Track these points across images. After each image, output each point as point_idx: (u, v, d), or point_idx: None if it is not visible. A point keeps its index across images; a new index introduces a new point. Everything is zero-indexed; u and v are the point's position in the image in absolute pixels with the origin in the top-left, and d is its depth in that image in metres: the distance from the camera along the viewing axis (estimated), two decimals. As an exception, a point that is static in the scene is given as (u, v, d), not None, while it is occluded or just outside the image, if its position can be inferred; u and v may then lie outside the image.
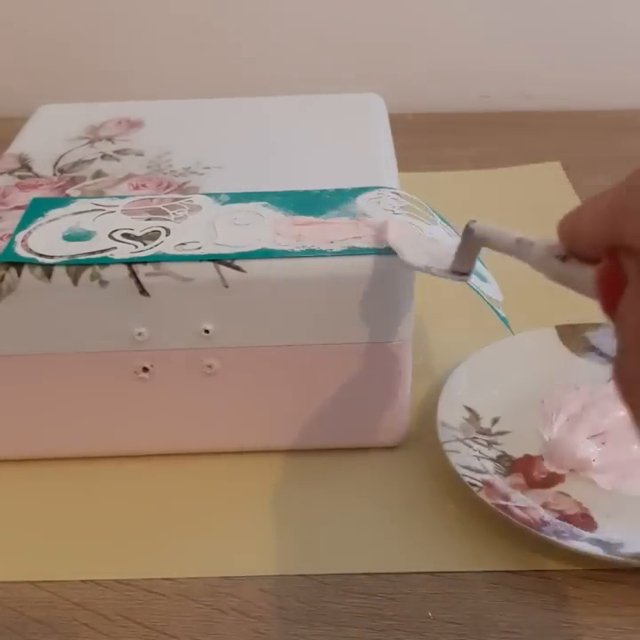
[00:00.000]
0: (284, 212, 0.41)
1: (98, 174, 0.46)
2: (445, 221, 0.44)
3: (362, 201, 0.41)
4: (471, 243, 0.35)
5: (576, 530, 0.38)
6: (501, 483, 0.40)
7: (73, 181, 0.45)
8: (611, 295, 0.25)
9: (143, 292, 0.38)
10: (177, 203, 0.42)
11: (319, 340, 0.40)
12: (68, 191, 0.44)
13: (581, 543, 0.37)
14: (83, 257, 0.38)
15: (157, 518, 0.41)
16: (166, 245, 0.38)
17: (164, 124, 0.52)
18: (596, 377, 0.46)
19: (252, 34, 0.84)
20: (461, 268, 0.36)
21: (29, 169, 0.47)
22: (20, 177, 0.46)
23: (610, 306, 0.25)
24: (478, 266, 0.43)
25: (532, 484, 0.41)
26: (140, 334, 0.39)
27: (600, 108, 0.81)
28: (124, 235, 0.39)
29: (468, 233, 0.35)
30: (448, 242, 0.40)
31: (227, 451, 0.43)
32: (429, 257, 0.37)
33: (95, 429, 0.42)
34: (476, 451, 0.41)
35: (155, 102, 0.56)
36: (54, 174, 0.46)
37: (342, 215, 0.40)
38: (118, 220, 0.40)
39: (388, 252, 0.38)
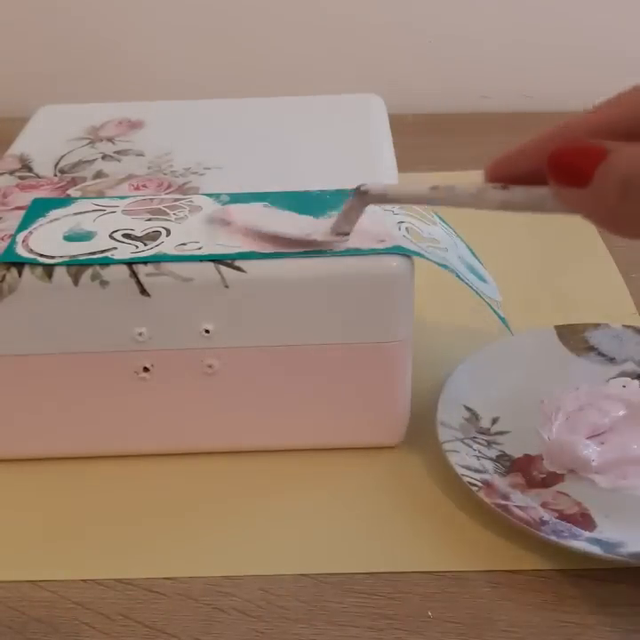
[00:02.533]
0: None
1: (98, 175, 0.46)
2: (445, 222, 0.44)
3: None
4: (361, 204, 0.36)
5: (575, 529, 0.38)
6: (501, 482, 0.40)
7: (74, 182, 0.45)
8: (585, 161, 0.26)
9: (144, 292, 0.38)
10: (177, 203, 0.42)
11: (319, 339, 0.40)
12: (68, 191, 0.44)
13: (580, 543, 0.37)
14: (83, 257, 0.38)
15: (157, 518, 0.41)
16: (167, 245, 0.39)
17: (165, 125, 0.52)
18: (595, 377, 0.46)
19: (252, 35, 0.84)
20: (343, 229, 0.37)
21: (30, 169, 0.47)
22: (20, 177, 0.46)
23: (580, 174, 0.26)
24: (477, 266, 0.43)
25: (532, 483, 0.41)
26: (140, 334, 0.39)
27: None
28: (125, 235, 0.39)
29: (361, 195, 0.35)
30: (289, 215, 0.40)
31: (227, 451, 0.43)
32: (296, 226, 0.38)
33: (95, 429, 0.42)
34: (475, 450, 0.42)
35: (155, 103, 0.56)
36: (55, 175, 0.46)
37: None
38: (119, 221, 0.40)
39: (388, 252, 0.38)
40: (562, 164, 0.27)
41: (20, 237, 0.39)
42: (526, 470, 0.41)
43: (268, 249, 0.38)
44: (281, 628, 0.35)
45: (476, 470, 0.40)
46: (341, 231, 0.37)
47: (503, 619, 0.35)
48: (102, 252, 0.38)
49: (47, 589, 0.38)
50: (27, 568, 0.39)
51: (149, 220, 0.40)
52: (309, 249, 0.38)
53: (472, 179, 0.31)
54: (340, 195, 0.42)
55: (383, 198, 0.35)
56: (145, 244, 0.39)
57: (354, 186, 0.36)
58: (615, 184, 0.26)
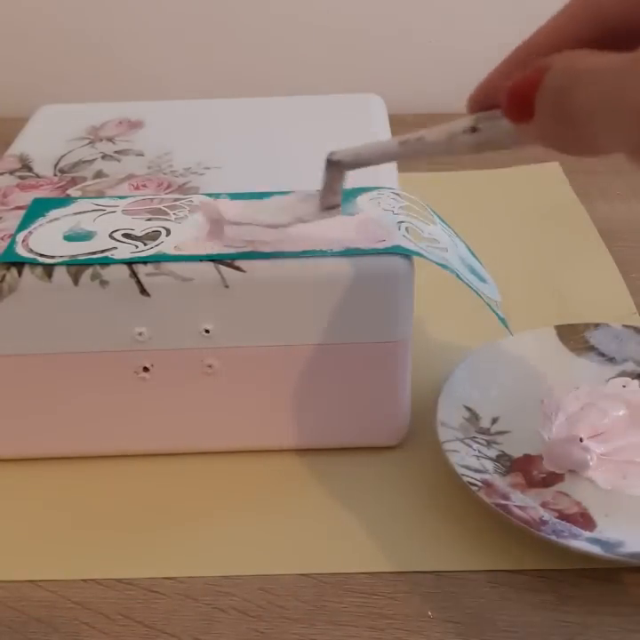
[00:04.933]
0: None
1: (98, 174, 0.46)
2: (445, 222, 0.44)
3: (362, 201, 0.41)
4: (338, 173, 0.35)
5: (575, 529, 0.38)
6: (501, 482, 0.40)
7: (73, 182, 0.45)
8: (528, 90, 0.24)
9: (143, 291, 0.38)
10: (177, 203, 0.42)
11: (319, 339, 0.40)
12: (68, 191, 0.44)
13: (580, 542, 0.37)
14: (83, 257, 0.38)
15: (157, 518, 0.41)
16: (167, 245, 0.39)
17: (165, 125, 0.52)
18: (595, 377, 0.46)
19: (252, 34, 0.84)
20: (332, 202, 0.36)
21: (30, 169, 0.47)
22: (20, 177, 0.46)
23: (524, 105, 0.24)
24: (477, 266, 0.43)
25: (532, 483, 0.41)
26: (140, 334, 0.39)
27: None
28: (125, 235, 0.39)
29: (334, 165, 0.35)
30: (281, 198, 0.39)
31: (227, 451, 0.43)
32: (285, 210, 0.37)
33: (95, 429, 0.42)
34: (475, 450, 0.42)
35: (155, 102, 0.56)
36: (55, 174, 0.46)
37: (342, 215, 0.40)
38: (119, 221, 0.40)
39: (388, 252, 0.38)
40: (509, 101, 0.25)
41: (19, 237, 0.40)
42: (526, 470, 0.41)
43: (268, 247, 0.38)
44: (281, 627, 0.35)
45: (476, 470, 0.40)
46: (331, 205, 0.37)
47: (503, 619, 0.35)
48: (102, 251, 0.38)
49: (47, 589, 0.38)
50: (27, 568, 0.39)
51: (149, 219, 0.40)
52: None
53: (441, 125, 0.30)
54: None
55: (356, 163, 0.35)
56: (145, 244, 0.39)
57: (325, 156, 0.35)
58: (552, 104, 0.23)
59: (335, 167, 0.35)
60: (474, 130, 0.28)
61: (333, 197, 0.36)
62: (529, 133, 0.25)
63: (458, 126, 0.29)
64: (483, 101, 0.28)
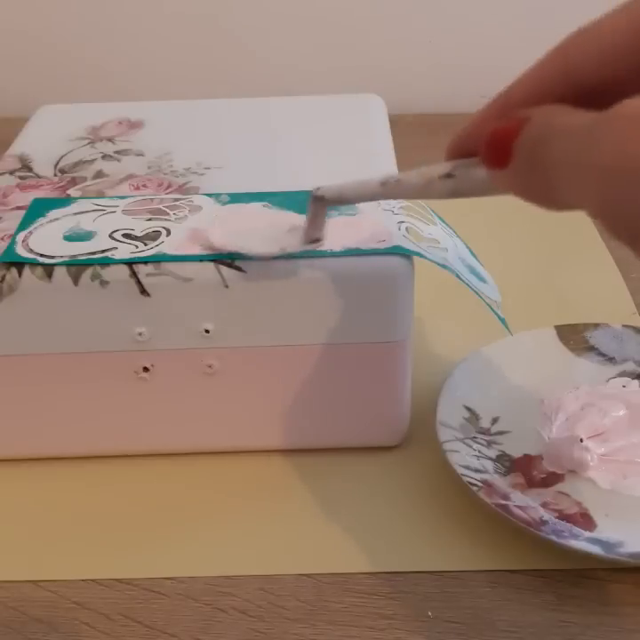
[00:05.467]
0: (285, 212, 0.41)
1: (98, 175, 0.46)
2: (444, 222, 0.44)
3: (362, 201, 0.41)
4: (321, 208, 0.36)
5: (575, 529, 0.38)
6: (501, 482, 0.40)
7: (73, 182, 0.45)
8: (506, 139, 0.25)
9: (144, 292, 0.38)
10: (177, 203, 0.42)
11: (319, 339, 0.40)
12: (68, 191, 0.44)
13: (580, 543, 0.37)
14: (83, 257, 0.38)
15: (157, 518, 0.41)
16: (167, 245, 0.39)
17: (165, 125, 0.52)
18: (595, 377, 0.46)
19: (252, 34, 0.84)
20: (314, 236, 0.37)
21: (30, 169, 0.47)
22: (20, 177, 0.46)
23: (501, 154, 0.25)
24: (477, 266, 0.43)
25: (532, 483, 0.41)
26: (140, 334, 0.39)
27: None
28: (125, 235, 0.39)
29: (318, 200, 0.36)
30: (273, 215, 0.40)
31: (227, 451, 0.43)
32: (272, 239, 0.38)
33: (95, 429, 0.42)
34: (475, 450, 0.42)
35: (155, 102, 0.56)
36: (55, 175, 0.46)
37: (342, 215, 0.40)
38: (119, 221, 0.40)
39: (388, 252, 0.38)
40: (486, 148, 0.26)
41: (19, 237, 0.39)
42: (526, 470, 0.41)
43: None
44: (281, 627, 0.35)
45: (476, 470, 0.40)
46: (313, 238, 0.38)
47: (503, 619, 0.35)
48: (102, 251, 0.38)
49: (47, 589, 0.38)
50: (27, 568, 0.39)
51: (149, 219, 0.40)
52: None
53: (420, 169, 0.31)
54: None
55: (339, 200, 0.36)
56: (145, 244, 0.39)
57: (311, 191, 0.36)
58: (527, 155, 0.24)
59: (319, 202, 0.36)
60: (449, 176, 0.29)
61: (316, 232, 0.37)
62: (503, 180, 0.26)
63: (435, 172, 0.29)
64: (460, 149, 0.29)
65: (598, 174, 0.21)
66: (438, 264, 0.39)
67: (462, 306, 0.47)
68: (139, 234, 0.39)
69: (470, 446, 0.42)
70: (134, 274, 0.38)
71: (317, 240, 0.38)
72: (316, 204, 0.36)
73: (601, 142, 0.21)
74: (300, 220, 0.38)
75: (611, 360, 0.47)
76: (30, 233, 0.40)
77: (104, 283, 0.38)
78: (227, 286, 0.38)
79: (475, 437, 0.42)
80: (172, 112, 0.54)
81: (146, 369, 0.40)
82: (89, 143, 0.50)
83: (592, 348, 0.48)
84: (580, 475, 0.41)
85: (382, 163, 0.47)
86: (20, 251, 0.39)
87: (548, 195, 0.24)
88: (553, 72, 0.26)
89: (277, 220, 0.39)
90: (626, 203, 0.21)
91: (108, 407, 0.42)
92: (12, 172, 0.47)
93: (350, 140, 0.49)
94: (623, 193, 0.21)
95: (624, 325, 0.49)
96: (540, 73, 0.26)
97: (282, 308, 0.39)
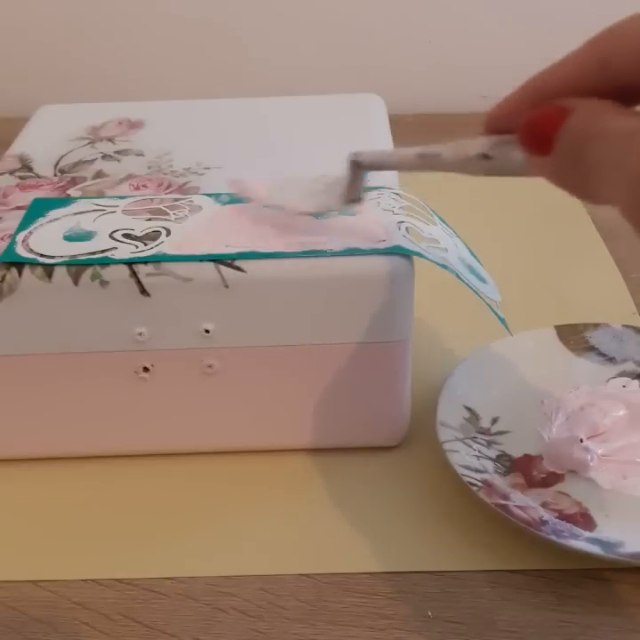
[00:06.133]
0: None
1: (98, 175, 0.46)
2: (445, 222, 0.44)
3: (362, 201, 0.41)
4: (359, 172, 0.37)
5: (575, 529, 0.38)
6: (501, 482, 0.40)
7: (74, 182, 0.45)
8: (545, 129, 0.26)
9: (144, 292, 0.38)
10: (177, 203, 0.42)
11: (319, 339, 0.40)
12: (68, 191, 0.44)
13: (580, 543, 0.37)
14: (83, 257, 0.38)
15: (158, 518, 0.41)
16: (167, 245, 0.39)
17: (165, 125, 0.52)
18: (595, 377, 0.46)
19: (252, 34, 0.84)
20: (354, 196, 0.38)
21: (30, 169, 0.47)
22: (20, 177, 0.46)
23: (541, 142, 0.26)
24: (477, 266, 0.43)
25: (532, 483, 0.41)
26: (140, 334, 0.39)
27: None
28: (125, 235, 0.39)
29: (356, 165, 0.36)
30: (309, 178, 0.40)
31: (226, 451, 0.43)
32: (310, 198, 0.39)
33: (95, 429, 0.42)
34: (475, 450, 0.42)
35: (155, 102, 0.56)
36: (55, 175, 0.46)
37: (342, 215, 0.40)
38: (119, 221, 0.40)
39: (388, 252, 0.38)
40: (527, 134, 0.26)
41: (19, 237, 0.39)
42: (526, 470, 0.41)
43: (276, 244, 0.38)
44: (281, 627, 0.35)
45: (476, 470, 0.40)
46: (353, 198, 0.38)
47: (503, 619, 0.35)
48: (102, 251, 0.38)
49: (47, 589, 0.38)
50: (27, 568, 0.39)
51: (149, 219, 0.40)
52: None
53: (458, 143, 0.31)
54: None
55: (375, 165, 0.36)
56: (145, 244, 0.39)
57: (349, 156, 0.37)
58: (570, 148, 0.25)
59: (356, 167, 0.37)
60: (486, 157, 0.29)
61: (355, 192, 0.38)
62: (541, 167, 0.26)
63: (472, 150, 0.30)
64: (496, 127, 0.29)
65: (629, 180, 0.22)
66: (438, 264, 0.39)
67: (462, 306, 0.47)
68: (139, 234, 0.39)
69: (470, 446, 0.42)
70: (134, 274, 0.38)
71: (357, 200, 0.38)
72: (354, 168, 0.37)
73: (635, 152, 0.22)
74: (334, 179, 0.38)
75: (611, 360, 0.47)
76: (30, 233, 0.40)
77: (104, 283, 0.38)
78: (227, 286, 0.38)
79: (475, 437, 0.42)
80: (172, 112, 0.54)
81: (146, 369, 0.40)
82: (89, 143, 0.50)
83: (592, 348, 0.48)
84: (580, 475, 0.41)
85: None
86: (20, 251, 0.39)
87: (585, 189, 0.25)
88: (588, 64, 0.26)
89: (311, 184, 0.40)
90: None
91: (108, 407, 0.42)
92: (12, 172, 0.47)
93: (350, 140, 0.49)
94: None
95: (624, 325, 0.49)
96: (576, 63, 0.26)
97: (282, 308, 0.39)
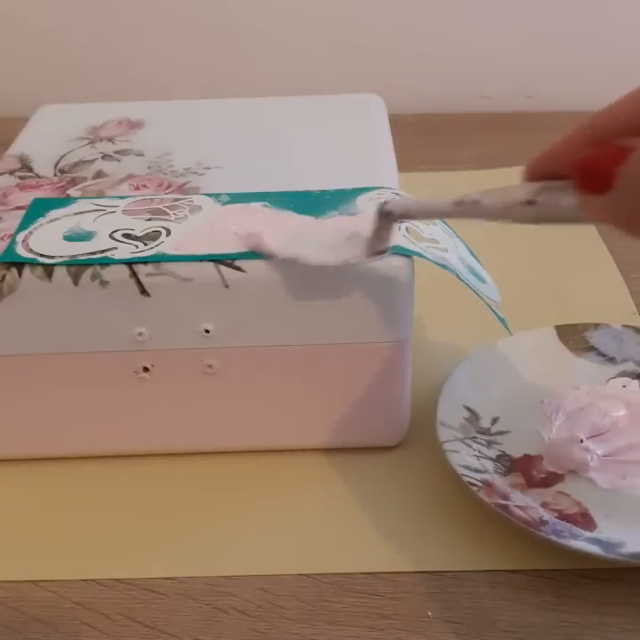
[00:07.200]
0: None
1: (98, 175, 0.46)
2: (445, 223, 0.44)
3: (362, 201, 0.41)
4: (387, 222, 0.35)
5: (575, 529, 0.38)
6: (501, 482, 0.40)
7: (73, 182, 0.45)
8: (604, 166, 0.25)
9: (144, 292, 0.38)
10: (177, 203, 0.42)
11: (319, 340, 0.40)
12: (68, 191, 0.44)
13: (580, 542, 0.37)
14: (83, 257, 0.38)
15: (158, 518, 0.41)
16: (167, 245, 0.39)
17: (165, 125, 0.52)
18: (595, 377, 0.46)
19: (252, 34, 0.84)
20: (380, 248, 0.37)
21: (30, 169, 0.47)
22: (20, 177, 0.46)
23: (600, 179, 0.25)
24: (476, 266, 0.43)
25: (532, 483, 0.41)
26: (140, 334, 0.39)
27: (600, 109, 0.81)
28: (125, 235, 0.39)
29: (386, 215, 0.35)
30: (331, 225, 0.39)
31: (226, 451, 0.43)
32: (330, 248, 0.37)
33: (95, 429, 0.42)
34: (475, 450, 0.42)
35: (155, 102, 0.56)
36: (55, 175, 0.46)
37: (342, 215, 0.40)
38: (119, 221, 0.40)
39: (388, 252, 0.38)
40: (585, 173, 0.26)
41: (19, 237, 0.39)
42: (526, 470, 0.41)
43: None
44: (281, 627, 0.35)
45: (476, 470, 0.40)
46: (378, 250, 0.37)
47: (503, 619, 0.35)
48: (102, 251, 0.38)
49: (47, 589, 0.38)
50: (27, 568, 0.39)
51: (149, 219, 0.40)
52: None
53: (498, 186, 0.30)
54: (340, 195, 0.42)
55: (405, 216, 0.35)
56: (145, 244, 0.39)
57: (377, 205, 0.35)
58: (631, 184, 0.25)
59: (385, 217, 0.35)
60: (531, 203, 0.28)
61: (382, 244, 0.37)
62: (598, 207, 0.26)
63: (516, 197, 0.29)
64: (542, 172, 0.29)
65: None
66: (438, 264, 0.39)
67: (462, 306, 0.47)
68: (139, 234, 0.39)
69: (470, 446, 0.42)
70: (134, 274, 0.38)
71: (383, 251, 0.37)
72: (382, 218, 0.35)
73: None
74: (359, 227, 0.38)
75: (611, 360, 0.47)
76: (30, 233, 0.40)
77: (104, 283, 0.38)
78: (227, 286, 0.38)
79: (475, 437, 0.42)
80: (172, 112, 0.54)
81: (146, 369, 0.40)
82: (89, 143, 0.50)
83: (592, 348, 0.48)
84: (580, 475, 0.41)
85: (382, 162, 0.47)
86: (20, 251, 0.39)
87: None
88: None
89: (334, 227, 0.39)
90: None
91: (108, 407, 0.42)
92: (12, 172, 0.47)
93: (350, 140, 0.49)
94: None
95: (624, 325, 0.49)
96: (630, 107, 0.26)
97: (282, 308, 0.39)
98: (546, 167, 0.28)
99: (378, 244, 0.37)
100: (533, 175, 0.29)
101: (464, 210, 0.32)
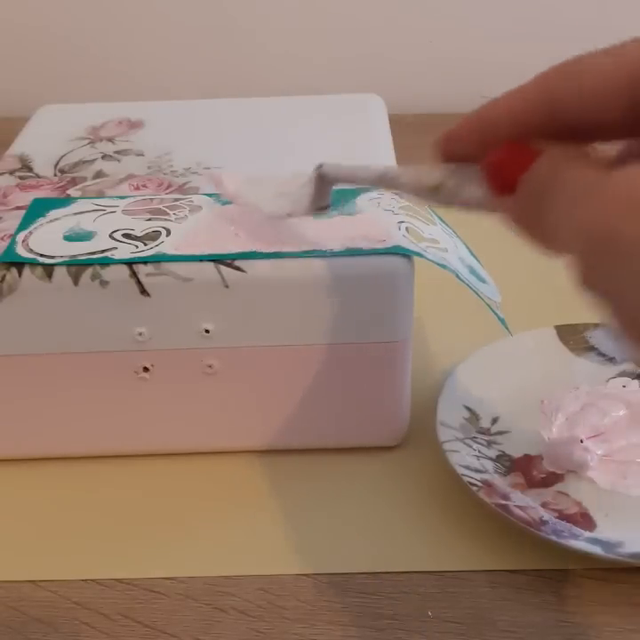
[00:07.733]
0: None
1: (98, 175, 0.46)
2: (444, 222, 0.44)
3: (362, 201, 0.41)
4: (325, 183, 0.37)
5: (575, 529, 0.38)
6: (501, 482, 0.40)
7: (74, 182, 0.45)
8: (511, 172, 0.26)
9: (144, 292, 0.38)
10: (177, 203, 0.42)
11: (319, 340, 0.40)
12: (68, 191, 0.44)
13: (580, 542, 0.37)
14: (83, 257, 0.38)
15: (158, 518, 0.41)
16: (167, 245, 0.39)
17: (165, 125, 0.52)
18: (595, 377, 0.46)
19: (252, 34, 0.84)
20: (322, 204, 0.38)
21: (30, 169, 0.47)
22: (20, 177, 0.46)
23: (506, 183, 0.26)
24: (477, 266, 0.43)
25: (532, 483, 0.41)
26: (140, 334, 0.39)
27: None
28: (125, 235, 0.39)
29: (320, 177, 0.36)
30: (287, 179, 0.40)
31: (226, 451, 0.43)
32: (281, 199, 0.38)
33: (95, 429, 0.42)
34: (475, 450, 0.42)
35: (155, 102, 0.56)
36: (55, 175, 0.46)
37: (342, 215, 0.40)
38: (119, 221, 0.40)
39: (388, 252, 0.38)
40: (491, 175, 0.26)
41: (19, 237, 0.40)
42: (526, 470, 0.41)
43: (265, 245, 0.38)
44: (281, 627, 0.35)
45: (476, 470, 0.40)
46: (320, 206, 0.38)
47: (503, 619, 0.35)
48: (102, 251, 0.38)
49: (47, 589, 0.38)
50: (27, 568, 0.39)
51: (149, 219, 0.40)
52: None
53: (416, 169, 0.30)
54: (339, 195, 0.42)
55: (337, 179, 0.36)
56: (145, 244, 0.39)
57: (314, 166, 0.36)
58: (531, 194, 0.25)
59: (320, 179, 0.37)
60: (438, 188, 0.29)
61: (322, 200, 0.38)
62: (503, 206, 0.26)
63: (426, 181, 0.29)
64: (450, 152, 0.29)
65: (578, 234, 0.23)
66: (438, 264, 0.39)
67: (462, 306, 0.47)
68: (139, 234, 0.39)
69: (470, 446, 0.42)
70: (134, 274, 0.38)
71: (324, 208, 0.38)
72: (319, 181, 0.37)
73: (586, 206, 0.22)
74: (308, 180, 0.38)
75: (611, 360, 0.47)
76: (30, 233, 0.40)
77: (104, 283, 0.38)
78: (227, 286, 0.38)
79: (475, 437, 0.42)
80: (172, 112, 0.54)
81: (146, 369, 0.40)
82: (89, 143, 0.50)
83: (592, 348, 0.48)
84: (580, 475, 0.41)
85: (382, 163, 0.47)
86: (20, 251, 0.39)
87: (541, 236, 0.26)
88: (537, 102, 0.26)
89: (286, 183, 0.39)
90: (598, 267, 0.24)
91: (108, 407, 0.42)
92: (12, 172, 0.47)
93: (350, 140, 0.49)
94: (596, 259, 0.23)
95: (624, 325, 0.49)
96: (526, 98, 0.26)
97: (282, 308, 0.39)
98: (452, 147, 0.28)
99: (319, 201, 0.38)
100: (443, 151, 0.29)
101: (386, 184, 0.33)
